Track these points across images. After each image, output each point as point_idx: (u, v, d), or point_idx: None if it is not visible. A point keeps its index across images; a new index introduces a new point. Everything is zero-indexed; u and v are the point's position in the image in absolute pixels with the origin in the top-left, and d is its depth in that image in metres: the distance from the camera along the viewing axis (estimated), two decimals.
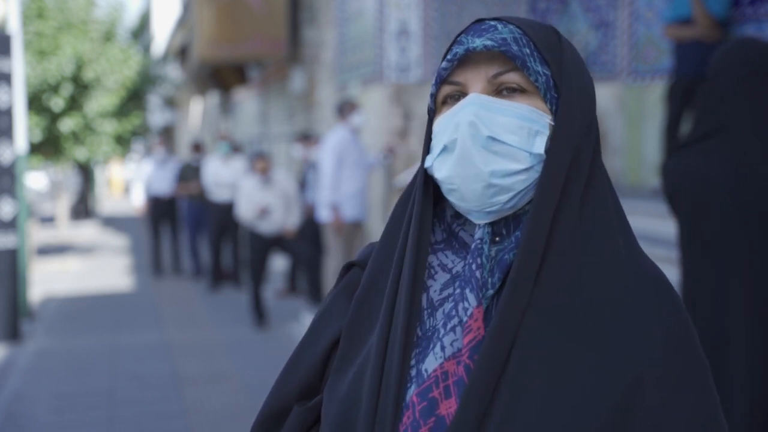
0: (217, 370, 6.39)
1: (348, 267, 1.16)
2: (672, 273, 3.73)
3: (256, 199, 7.94)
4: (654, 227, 5.21)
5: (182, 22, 17.79)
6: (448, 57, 1.03)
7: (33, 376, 6.36)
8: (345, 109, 7.13)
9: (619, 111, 7.65)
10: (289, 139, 11.38)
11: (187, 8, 16.56)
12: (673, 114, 5.74)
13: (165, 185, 11.67)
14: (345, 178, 7.01)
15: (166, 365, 6.61)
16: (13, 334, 7.41)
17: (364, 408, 0.99)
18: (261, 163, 8.06)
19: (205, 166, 10.68)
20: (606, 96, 7.79)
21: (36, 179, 28.68)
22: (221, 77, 16.03)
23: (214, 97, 19.34)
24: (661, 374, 0.95)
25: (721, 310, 2.65)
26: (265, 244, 8.03)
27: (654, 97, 7.08)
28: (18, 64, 8.10)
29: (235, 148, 10.77)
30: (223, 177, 10.11)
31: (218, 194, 10.17)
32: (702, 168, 2.70)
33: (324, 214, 7.14)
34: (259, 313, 7.97)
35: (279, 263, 10.31)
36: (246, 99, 16.46)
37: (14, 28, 8.18)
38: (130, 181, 29.10)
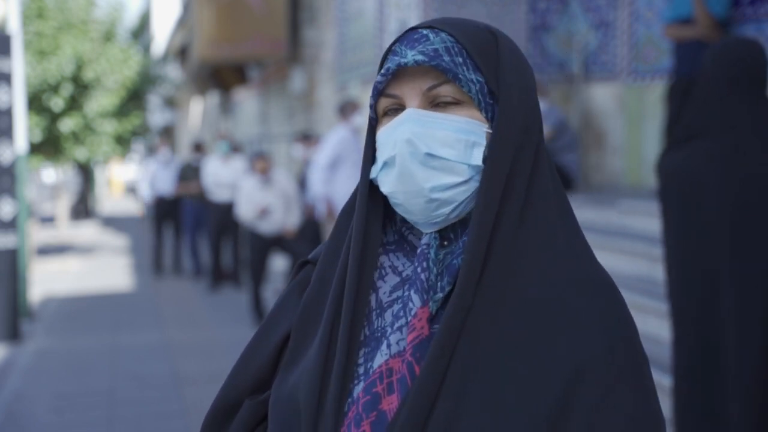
0: (217, 370, 6.38)
1: (302, 264, 1.18)
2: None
3: (256, 199, 7.94)
4: (654, 227, 5.20)
5: (182, 22, 17.79)
6: (382, 71, 1.03)
7: (33, 376, 6.36)
8: (347, 109, 7.13)
9: (619, 111, 7.65)
10: (289, 139, 11.39)
11: (187, 8, 16.56)
12: (673, 114, 5.74)
13: (169, 185, 11.68)
14: (345, 177, 7.03)
15: (166, 365, 6.62)
16: (13, 334, 7.41)
17: (307, 403, 1.01)
18: (261, 163, 8.06)
19: (204, 166, 10.67)
20: (606, 96, 7.79)
21: (48, 174, 28.98)
22: (221, 77, 16.03)
23: (214, 97, 19.34)
24: (602, 371, 0.96)
25: (714, 307, 2.64)
26: (265, 244, 8.03)
27: (654, 97, 7.08)
28: (18, 64, 8.10)
29: (235, 148, 10.76)
30: (223, 177, 10.11)
31: (218, 194, 10.16)
32: (692, 167, 2.71)
33: (320, 208, 7.28)
34: (259, 313, 7.97)
35: (279, 263, 10.31)
36: (246, 99, 16.46)
37: (14, 28, 8.18)
38: (136, 181, 29.11)
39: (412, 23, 8.12)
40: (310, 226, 8.48)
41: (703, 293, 2.68)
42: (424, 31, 1.03)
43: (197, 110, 22.98)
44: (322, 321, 1.05)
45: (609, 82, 7.74)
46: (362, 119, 7.16)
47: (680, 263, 2.77)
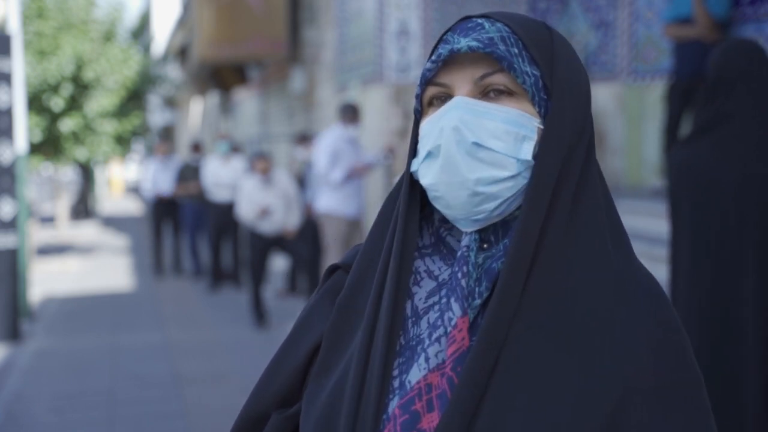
0: (217, 370, 6.38)
1: (332, 270, 1.11)
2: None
3: (256, 199, 7.94)
4: (654, 227, 5.21)
5: (182, 22, 17.79)
6: (433, 58, 0.98)
7: (33, 376, 6.36)
8: (347, 113, 7.09)
9: (619, 111, 7.65)
10: (289, 139, 11.39)
11: (187, 8, 16.56)
12: (673, 114, 5.74)
13: (168, 185, 11.68)
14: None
15: (166, 365, 6.61)
16: (13, 334, 7.41)
17: (344, 419, 0.95)
18: (262, 163, 8.06)
19: (204, 167, 10.67)
20: (606, 96, 7.79)
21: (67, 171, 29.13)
22: (221, 77, 16.03)
23: (214, 97, 19.33)
24: (651, 388, 0.92)
25: (732, 308, 2.62)
26: (265, 244, 8.03)
27: (654, 97, 7.08)
28: (18, 64, 8.10)
29: (235, 148, 10.76)
30: (223, 177, 10.11)
31: (217, 194, 10.16)
32: (707, 164, 2.69)
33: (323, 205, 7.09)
34: (259, 313, 7.97)
35: (279, 263, 10.31)
36: (246, 99, 16.46)
37: (14, 28, 8.18)
38: (138, 181, 29.17)
39: (412, 23, 8.11)
40: (310, 226, 8.48)
41: (721, 288, 2.64)
42: (479, 20, 0.98)
43: (197, 110, 22.97)
44: (360, 328, 0.99)
45: (609, 82, 7.74)
46: (357, 132, 7.11)
47: (685, 261, 2.74)
